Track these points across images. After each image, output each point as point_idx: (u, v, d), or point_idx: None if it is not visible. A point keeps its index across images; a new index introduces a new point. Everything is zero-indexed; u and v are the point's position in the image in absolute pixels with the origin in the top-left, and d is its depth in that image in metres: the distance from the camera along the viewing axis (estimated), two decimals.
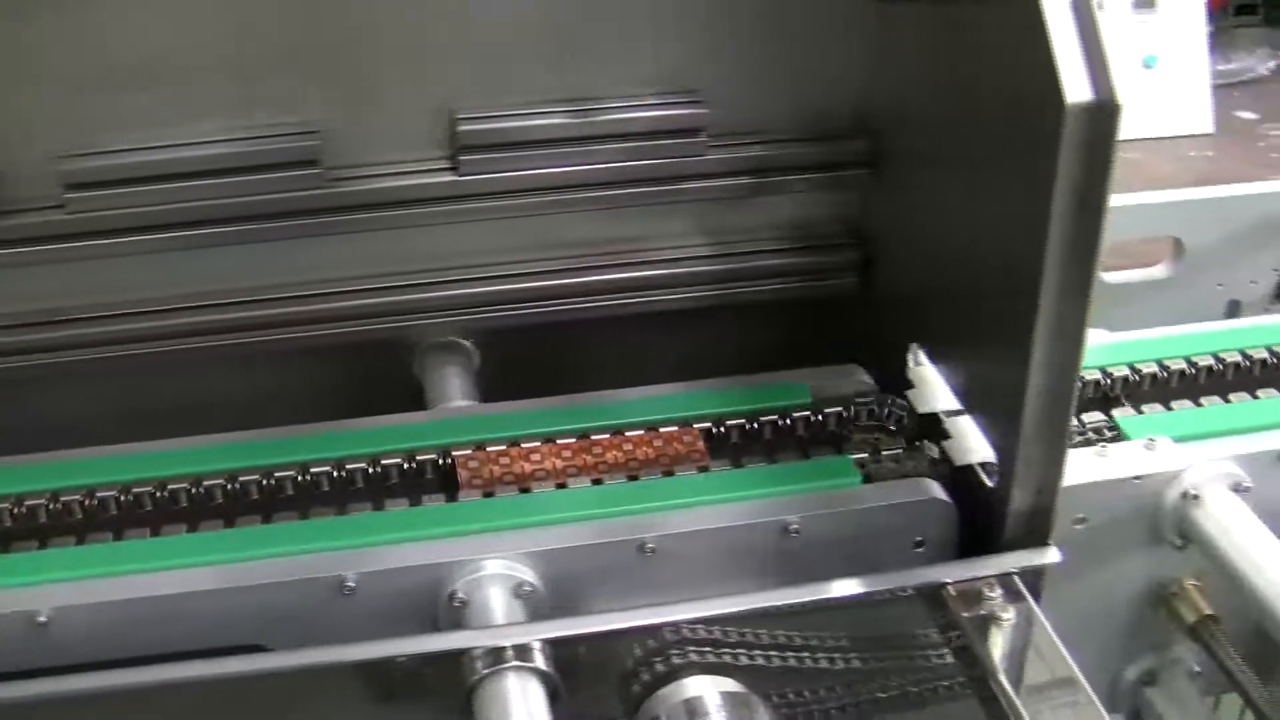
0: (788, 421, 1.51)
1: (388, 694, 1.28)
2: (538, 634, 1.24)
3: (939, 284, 1.46)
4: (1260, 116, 3.51)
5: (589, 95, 1.58)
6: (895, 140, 1.58)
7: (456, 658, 1.22)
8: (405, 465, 1.44)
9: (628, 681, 1.28)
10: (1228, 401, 1.56)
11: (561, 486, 1.42)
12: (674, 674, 1.26)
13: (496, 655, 1.21)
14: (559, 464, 1.44)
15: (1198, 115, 3.41)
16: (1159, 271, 2.06)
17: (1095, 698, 1.22)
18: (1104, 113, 1.11)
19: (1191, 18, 3.49)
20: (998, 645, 1.28)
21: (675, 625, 1.28)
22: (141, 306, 1.59)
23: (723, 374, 1.58)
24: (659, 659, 1.27)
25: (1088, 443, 1.47)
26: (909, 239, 1.57)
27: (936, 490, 1.38)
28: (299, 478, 1.42)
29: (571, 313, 1.68)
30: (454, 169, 1.58)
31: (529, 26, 1.54)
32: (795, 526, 1.34)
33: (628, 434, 1.49)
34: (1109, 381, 1.58)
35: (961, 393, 1.40)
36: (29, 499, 1.39)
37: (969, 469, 1.37)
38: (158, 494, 1.40)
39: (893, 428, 1.50)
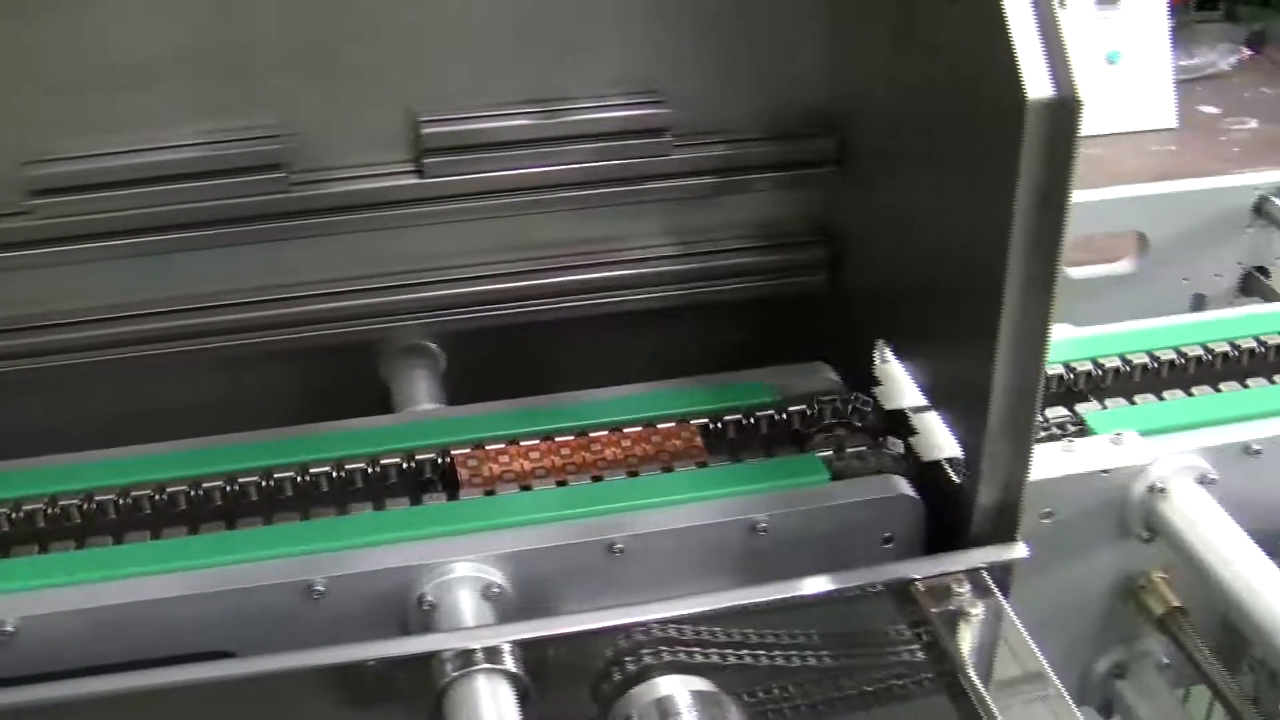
0: (753, 420, 1.51)
1: (358, 698, 1.28)
2: (507, 636, 1.24)
3: (905, 281, 1.46)
4: (1222, 111, 3.52)
5: (553, 96, 1.58)
6: (861, 138, 1.59)
7: (426, 661, 1.22)
8: (370, 469, 1.44)
9: (599, 682, 1.28)
10: (1191, 395, 1.57)
11: (526, 489, 1.42)
12: (645, 674, 1.26)
13: (466, 658, 1.21)
14: (527, 465, 1.44)
15: (1161, 110, 3.43)
16: (1124, 266, 2.07)
17: (1065, 691, 1.22)
18: (1065, 109, 1.12)
19: (1154, 13, 3.50)
20: (967, 640, 1.28)
21: (645, 625, 1.28)
22: (107, 313, 1.58)
23: (693, 373, 1.58)
24: (629, 659, 1.27)
25: (1054, 437, 1.47)
26: (875, 237, 1.57)
27: (904, 487, 1.38)
28: (263, 483, 1.42)
29: (538, 314, 1.68)
30: (419, 172, 1.58)
31: (492, 28, 1.54)
32: (763, 525, 1.35)
33: (622, 431, 1.49)
34: (1073, 376, 1.58)
35: (928, 389, 1.41)
36: None
37: (936, 465, 1.38)
38: (121, 501, 1.40)
39: (859, 425, 1.50)
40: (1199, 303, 2.09)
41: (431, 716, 1.20)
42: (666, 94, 1.60)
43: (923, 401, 1.41)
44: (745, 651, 1.31)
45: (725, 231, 1.71)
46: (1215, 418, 1.50)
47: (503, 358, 1.70)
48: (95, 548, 1.36)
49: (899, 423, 1.44)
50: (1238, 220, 2.06)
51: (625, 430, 1.49)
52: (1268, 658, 1.36)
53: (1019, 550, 1.33)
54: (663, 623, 1.28)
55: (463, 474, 1.43)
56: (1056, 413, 1.53)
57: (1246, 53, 3.85)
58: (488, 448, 1.46)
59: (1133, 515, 1.43)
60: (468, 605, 1.28)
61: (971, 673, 1.25)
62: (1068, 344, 1.60)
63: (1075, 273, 2.02)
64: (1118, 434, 1.44)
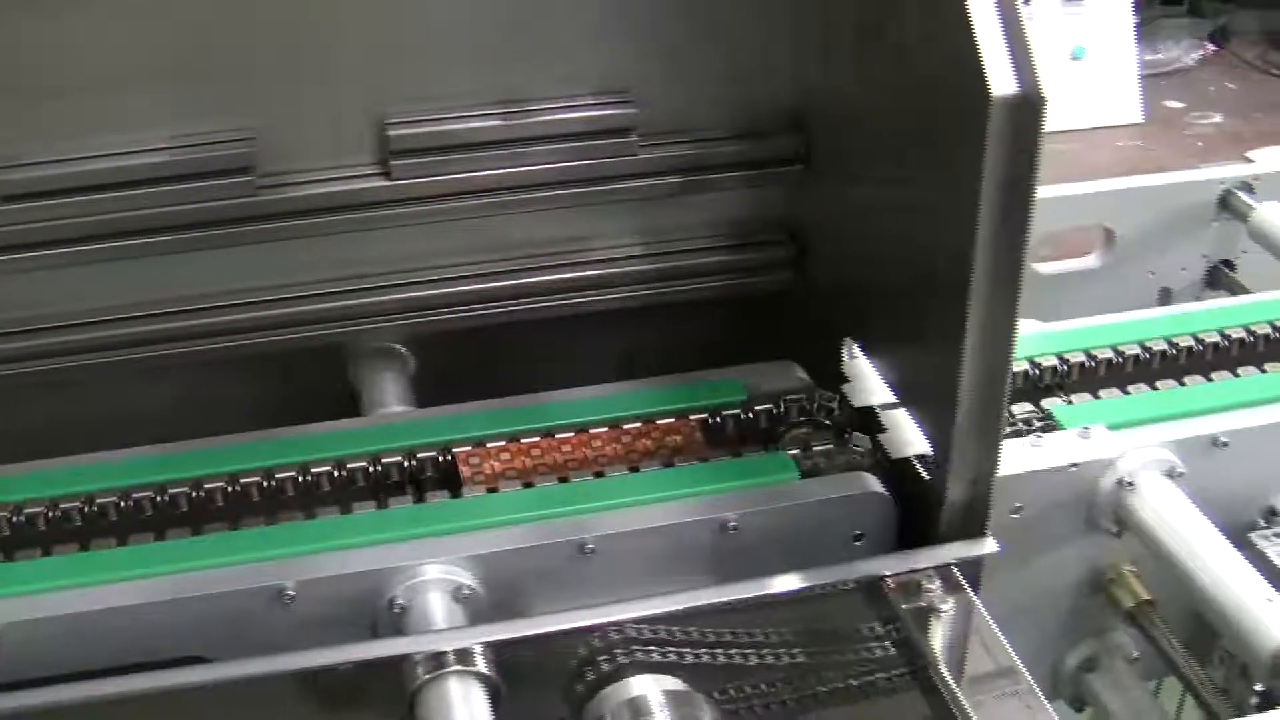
0: (719, 419, 1.51)
1: (330, 702, 1.28)
2: (478, 637, 1.24)
3: (872, 279, 1.46)
4: (1187, 105, 3.55)
5: (519, 97, 1.58)
6: (827, 137, 1.59)
7: (398, 664, 1.22)
8: (335, 473, 1.44)
9: (571, 682, 1.28)
10: (1155, 389, 1.58)
11: (493, 490, 1.42)
12: (617, 674, 1.26)
13: (438, 660, 1.21)
14: (497, 466, 1.44)
15: (1127, 105, 3.45)
16: (1091, 261, 2.08)
17: (1036, 686, 1.23)
18: (1029, 106, 1.12)
19: (1119, 9, 3.52)
20: (938, 636, 1.29)
21: (617, 625, 1.28)
22: (74, 318, 1.57)
23: (663, 372, 1.58)
24: (602, 659, 1.27)
25: (1022, 433, 1.48)
26: (842, 235, 1.57)
27: (874, 484, 1.39)
28: (229, 488, 1.42)
29: (507, 315, 1.68)
30: (386, 174, 1.57)
31: (457, 30, 1.53)
32: (734, 523, 1.35)
33: (625, 427, 1.49)
34: (1040, 372, 1.59)
35: (896, 386, 1.41)
36: None
37: (906, 462, 1.38)
38: (86, 509, 1.39)
39: (828, 423, 1.50)
40: (1165, 296, 2.10)
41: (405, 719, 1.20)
42: (633, 94, 1.60)
43: (891, 398, 1.41)
44: (718, 650, 1.31)
45: (693, 231, 1.71)
46: (1182, 411, 1.50)
47: (472, 360, 1.69)
48: (62, 555, 1.36)
49: (868, 420, 1.44)
50: (1203, 214, 2.07)
51: (592, 430, 1.49)
52: (1236, 650, 1.36)
53: (989, 545, 1.33)
54: (634, 622, 1.28)
55: (434, 476, 1.43)
56: (1024, 408, 1.54)
57: (1210, 48, 3.89)
58: (458, 450, 1.46)
59: (1101, 509, 1.44)
60: (439, 608, 1.28)
61: (943, 668, 1.25)
62: (1035, 339, 1.61)
63: (1043, 268, 2.03)
64: (1086, 429, 1.45)
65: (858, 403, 1.45)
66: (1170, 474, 1.44)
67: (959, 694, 1.23)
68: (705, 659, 1.30)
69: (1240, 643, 1.31)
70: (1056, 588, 1.50)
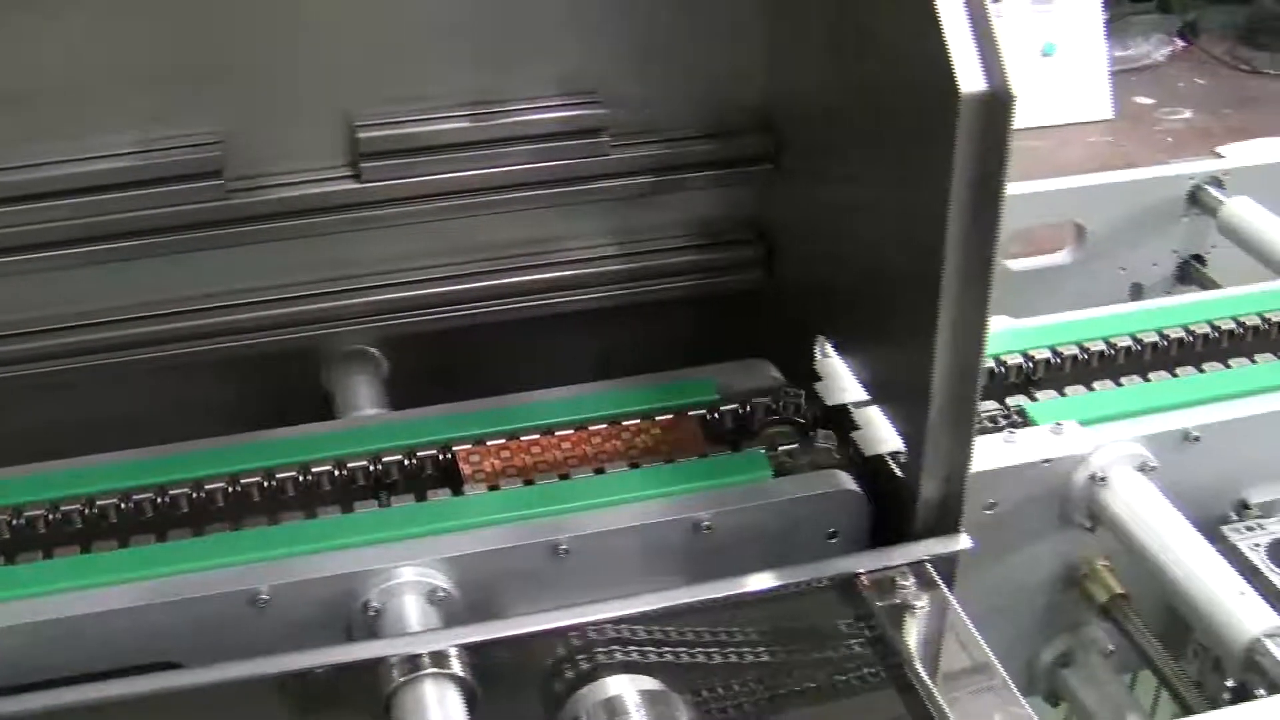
0: (692, 418, 1.51)
1: (306, 706, 1.27)
2: (453, 640, 1.24)
3: (843, 276, 1.46)
4: (1157, 101, 3.56)
5: (489, 99, 1.57)
6: (797, 135, 1.59)
7: (373, 667, 1.22)
8: (301, 477, 1.43)
9: (547, 683, 1.28)
10: (1129, 384, 1.58)
11: (459, 493, 1.42)
12: (593, 674, 1.26)
13: (413, 663, 1.21)
14: (468, 469, 1.43)
15: (1097, 101, 3.46)
16: (1062, 257, 2.08)
17: (1011, 681, 1.23)
18: (998, 103, 1.12)
19: (1089, 6, 3.54)
20: (913, 633, 1.29)
21: (592, 625, 1.27)
22: (43, 324, 1.57)
23: (636, 372, 1.58)
24: (579, 659, 1.27)
25: (995, 429, 1.48)
26: (813, 233, 1.57)
27: (847, 481, 1.39)
28: (194, 494, 1.41)
29: (479, 317, 1.68)
30: (356, 176, 1.57)
31: (426, 32, 1.53)
32: (707, 523, 1.35)
33: (597, 428, 1.49)
34: (1010, 368, 1.59)
35: (869, 383, 1.41)
36: None
37: (879, 459, 1.38)
38: (51, 516, 1.38)
39: (801, 421, 1.50)
40: (1137, 292, 2.11)
41: None
42: (603, 94, 1.60)
43: (864, 396, 1.41)
44: (695, 650, 1.31)
45: (664, 230, 1.71)
46: (1154, 406, 1.51)
47: (445, 361, 1.69)
48: (27, 563, 1.35)
49: (841, 417, 1.44)
50: (1173, 209, 2.08)
51: (557, 431, 1.49)
52: (1209, 643, 1.37)
53: (962, 542, 1.34)
54: (609, 623, 1.28)
55: (404, 480, 1.43)
56: (996, 404, 1.54)
57: (1180, 44, 3.90)
58: (429, 453, 1.45)
59: (1075, 504, 1.44)
60: (413, 610, 1.28)
61: (918, 665, 1.25)
62: (1007, 335, 1.61)
63: (1014, 264, 2.04)
64: (1058, 424, 1.45)
65: (831, 401, 1.45)
66: (1143, 468, 1.44)
67: (934, 691, 1.23)
68: (681, 658, 1.30)
69: (1213, 636, 1.32)
70: (1031, 583, 1.50)
